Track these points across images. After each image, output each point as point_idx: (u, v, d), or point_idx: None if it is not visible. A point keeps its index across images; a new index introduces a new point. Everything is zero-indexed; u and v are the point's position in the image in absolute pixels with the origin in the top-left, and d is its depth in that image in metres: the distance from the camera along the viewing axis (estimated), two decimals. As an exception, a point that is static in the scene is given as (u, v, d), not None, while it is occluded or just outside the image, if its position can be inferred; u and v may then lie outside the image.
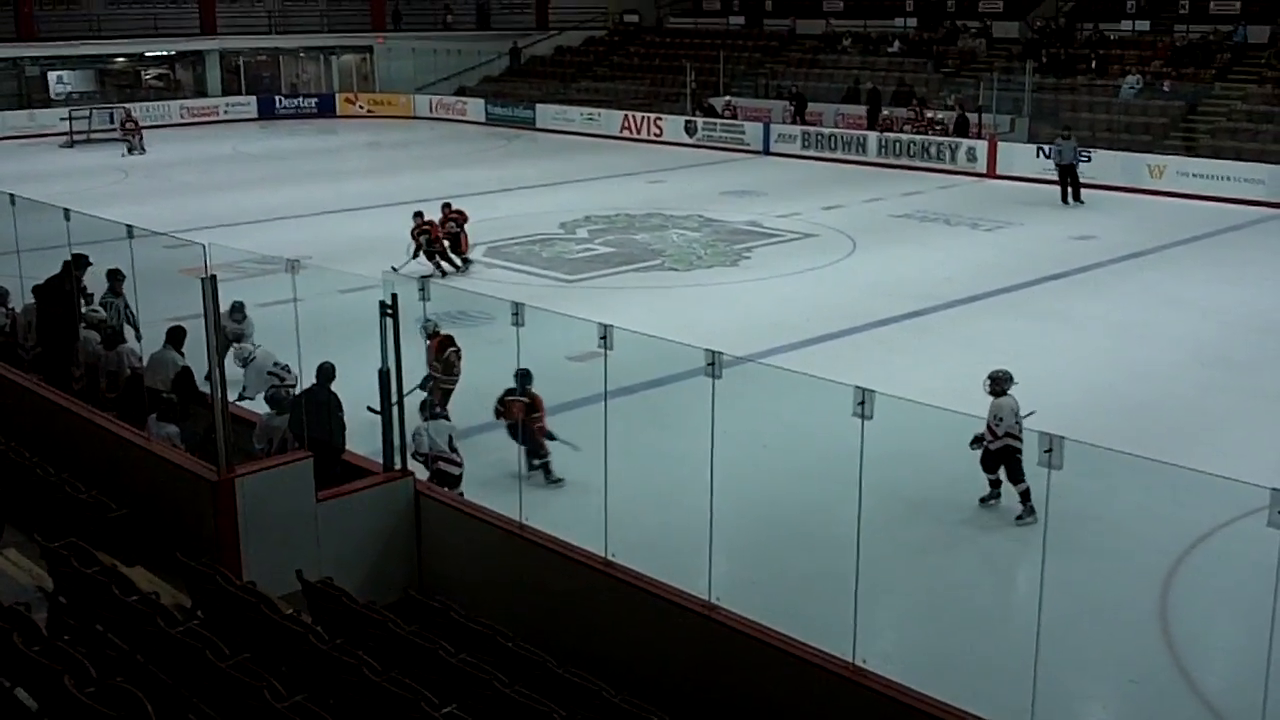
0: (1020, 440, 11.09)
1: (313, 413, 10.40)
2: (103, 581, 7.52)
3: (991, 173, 31.03)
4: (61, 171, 32.65)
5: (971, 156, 31.55)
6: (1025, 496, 11.22)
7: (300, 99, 47.13)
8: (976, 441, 11.41)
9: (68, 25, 44.00)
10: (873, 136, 33.64)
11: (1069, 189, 27.43)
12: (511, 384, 12.02)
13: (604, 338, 8.74)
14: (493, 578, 9.83)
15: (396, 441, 10.24)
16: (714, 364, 8.11)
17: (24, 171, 30.79)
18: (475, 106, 44.49)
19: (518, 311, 9.33)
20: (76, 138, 38.58)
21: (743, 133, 36.49)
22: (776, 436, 13.13)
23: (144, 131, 37.48)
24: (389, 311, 10.23)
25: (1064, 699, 8.67)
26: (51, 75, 44.26)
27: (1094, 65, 34.27)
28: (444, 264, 20.30)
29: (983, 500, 11.73)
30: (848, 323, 17.70)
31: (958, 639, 9.67)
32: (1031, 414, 11.10)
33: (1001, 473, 11.51)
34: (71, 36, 43.51)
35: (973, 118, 32.66)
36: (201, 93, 46.51)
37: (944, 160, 31.99)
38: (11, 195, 15.48)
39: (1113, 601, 10.12)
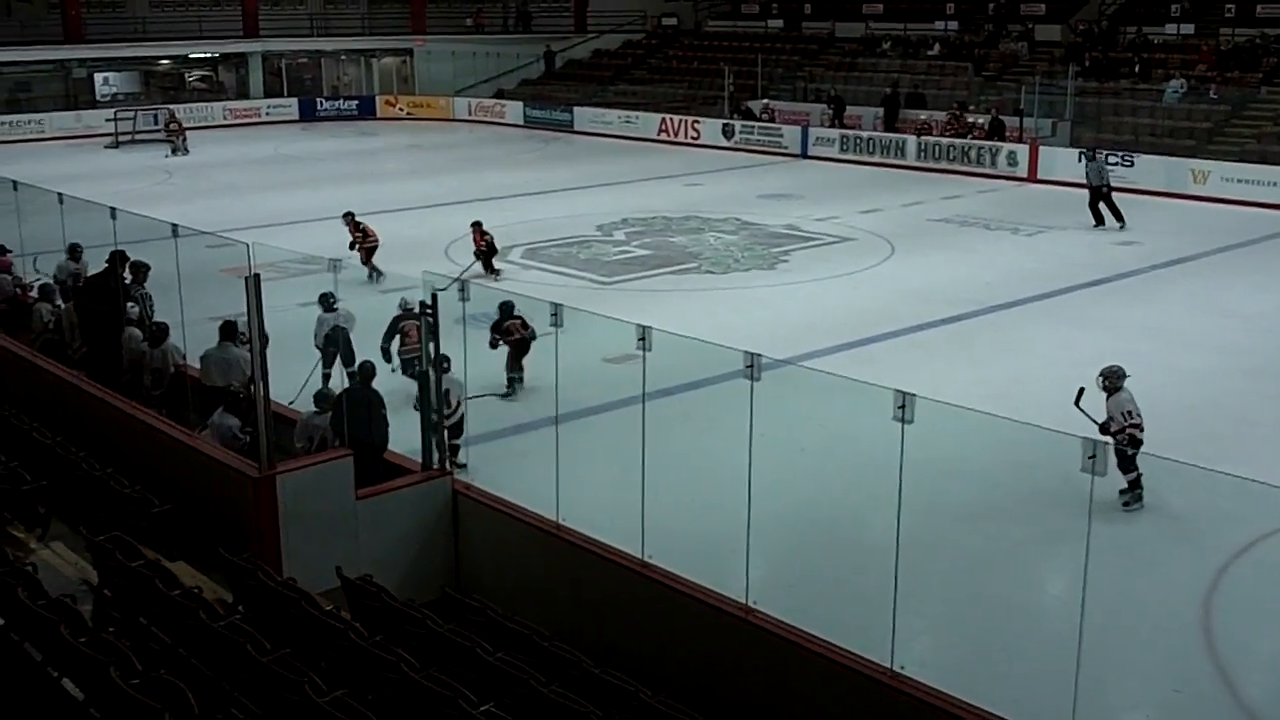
0: (1140, 430, 11.29)
1: (354, 411, 10.47)
2: (147, 575, 7.62)
3: (1033, 177, 30.82)
4: (107, 172, 33.01)
5: (1012, 161, 31.35)
6: (1138, 482, 11.23)
7: (341, 101, 47.47)
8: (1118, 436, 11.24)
9: (114, 28, 44.51)
10: (912, 140, 33.48)
11: (1105, 210, 24.86)
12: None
13: (643, 339, 8.77)
14: (529, 577, 9.87)
15: (435, 441, 10.31)
16: (753, 366, 8.11)
17: (71, 172, 31.13)
18: (514, 109, 44.66)
19: (557, 312, 9.37)
20: (121, 139, 39.01)
21: (780, 136, 36.42)
22: (815, 440, 13.10)
23: (187, 133, 37.85)
24: (428, 312, 10.30)
25: (1106, 707, 8.60)
26: (98, 77, 44.78)
27: (1137, 69, 33.96)
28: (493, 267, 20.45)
29: (1126, 502, 11.33)
30: (885, 327, 17.62)
31: (997, 646, 9.61)
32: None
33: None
34: (117, 39, 44.00)
35: (1010, 121, 32.45)
36: (244, 94, 46.92)
37: (984, 164, 31.81)
38: (59, 195, 15.71)
39: (1155, 609, 10.03)
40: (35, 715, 6.29)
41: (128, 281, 13.91)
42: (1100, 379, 11.74)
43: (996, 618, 10.05)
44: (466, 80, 47.12)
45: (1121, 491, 11.36)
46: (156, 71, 46.55)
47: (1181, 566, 10.75)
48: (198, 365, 12.42)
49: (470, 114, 45.79)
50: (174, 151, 36.54)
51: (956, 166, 32.22)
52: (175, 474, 10.46)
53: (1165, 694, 9.15)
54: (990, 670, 9.01)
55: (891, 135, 34.24)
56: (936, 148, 32.85)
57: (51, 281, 15.89)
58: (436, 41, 48.36)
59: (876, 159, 33.90)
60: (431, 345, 10.46)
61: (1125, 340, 17.27)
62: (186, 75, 47.46)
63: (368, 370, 10.85)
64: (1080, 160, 26.88)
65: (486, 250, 20.68)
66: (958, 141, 32.47)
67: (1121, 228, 24.68)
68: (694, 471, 11.92)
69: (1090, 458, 6.77)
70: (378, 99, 47.51)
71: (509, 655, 7.30)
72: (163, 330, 12.73)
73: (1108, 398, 11.62)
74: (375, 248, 20.53)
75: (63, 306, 14.42)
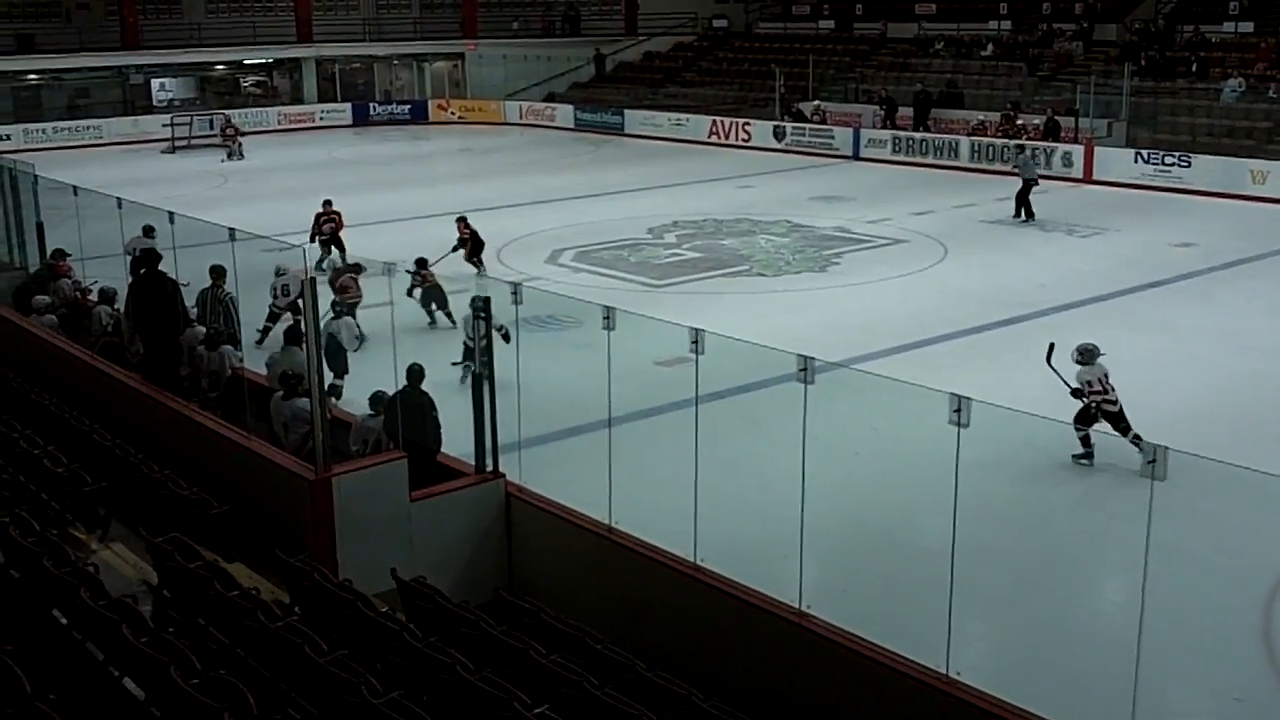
0: (1114, 401, 12.59)
1: (406, 414, 10.54)
2: (205, 576, 7.71)
3: (1088, 178, 30.49)
4: (163, 176, 33.46)
5: (1067, 161, 31.03)
6: (1137, 440, 12.07)
7: (393, 105, 47.85)
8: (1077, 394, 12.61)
9: (170, 34, 45.15)
10: (965, 141, 33.24)
11: (1025, 205, 26.00)
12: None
13: (695, 342, 8.76)
14: (582, 580, 9.89)
15: (488, 444, 10.35)
16: (806, 369, 8.08)
17: (128, 176, 31.61)
18: (564, 112, 44.79)
19: (609, 315, 9.38)
20: (178, 144, 39.55)
21: (832, 137, 36.28)
22: (868, 443, 13.03)
23: (242, 138, 38.29)
24: (482, 315, 10.36)
25: (1164, 714, 8.48)
26: (154, 82, 45.43)
27: (1194, 68, 33.51)
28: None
29: (1076, 459, 12.58)
30: (938, 330, 17.50)
31: (1054, 651, 9.51)
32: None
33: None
34: (174, 45, 44.64)
35: (1064, 121, 32.10)
36: (298, 99, 47.43)
37: (1039, 165, 31.47)
38: (118, 199, 15.95)
39: (1214, 616, 9.88)
40: (97, 714, 6.38)
41: (196, 285, 14.20)
42: (1075, 354, 12.72)
43: (1053, 623, 9.95)
44: (517, 84, 47.35)
45: (1074, 456, 12.58)
46: (212, 77, 47.15)
47: (1241, 572, 10.58)
48: (249, 366, 12.56)
49: (521, 117, 45.99)
50: (230, 156, 37.00)
51: (1010, 167, 31.90)
52: (233, 476, 10.57)
53: (1225, 702, 9.01)
54: (1046, 676, 8.92)
55: (944, 136, 34.01)
56: (990, 149, 32.57)
57: (111, 285, 16.14)
58: (488, 45, 48.63)
59: (929, 160, 33.68)
60: (485, 347, 10.50)
61: (1182, 342, 17.06)
62: (241, 80, 48.03)
63: (417, 372, 10.91)
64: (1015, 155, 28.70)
65: (470, 242, 20.95)
66: (1012, 142, 32.18)
67: (1020, 220, 25.81)
68: (746, 475, 11.90)
69: (1150, 462, 6.68)
70: (430, 103, 47.85)
71: (562, 657, 7.32)
72: (220, 335, 12.88)
73: (1079, 369, 12.67)
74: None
75: (122, 310, 14.62)
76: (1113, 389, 12.59)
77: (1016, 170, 27.05)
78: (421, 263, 17.32)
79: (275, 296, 16.48)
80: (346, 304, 15.78)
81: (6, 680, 5.69)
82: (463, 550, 10.14)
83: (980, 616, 9.61)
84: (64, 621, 7.12)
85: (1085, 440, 12.48)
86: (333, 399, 12.44)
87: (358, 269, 16.81)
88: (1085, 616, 10.23)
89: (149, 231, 16.37)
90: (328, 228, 21.57)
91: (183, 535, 8.66)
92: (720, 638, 8.72)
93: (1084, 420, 12.53)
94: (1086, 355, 12.74)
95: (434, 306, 17.27)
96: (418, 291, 17.30)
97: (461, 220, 21.03)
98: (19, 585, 7.66)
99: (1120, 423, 12.45)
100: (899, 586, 10.19)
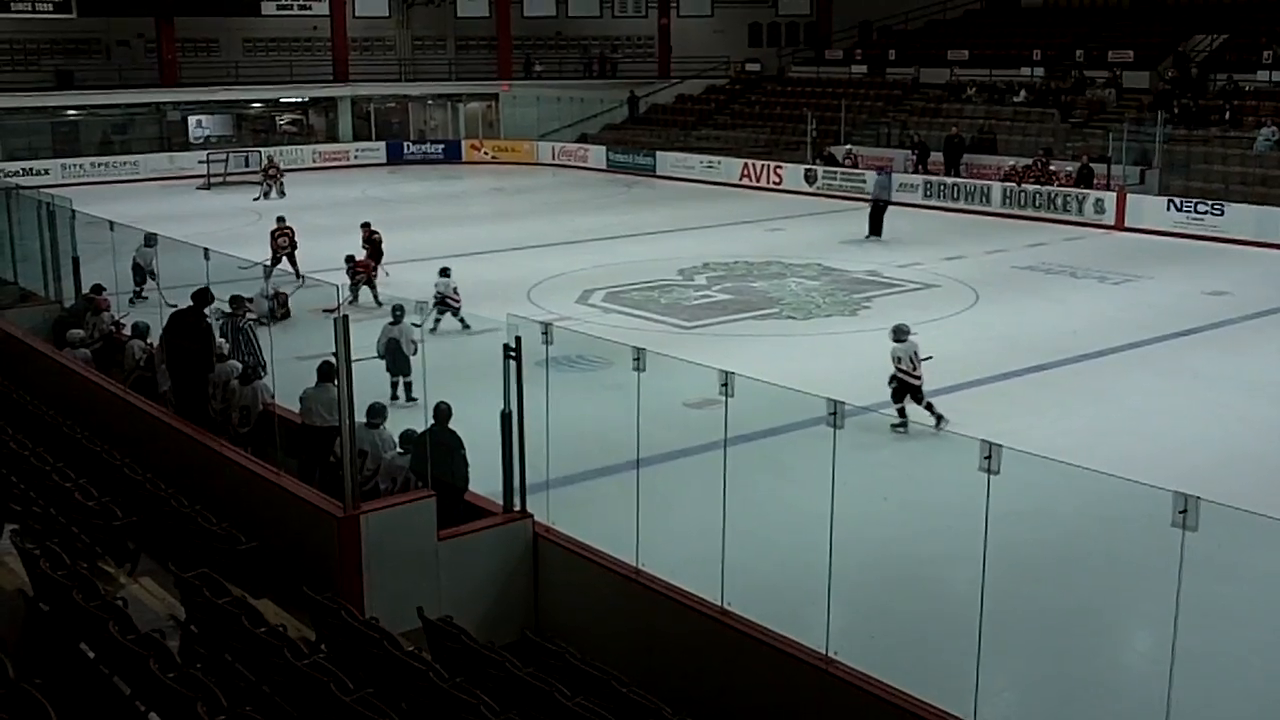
0: (918, 377, 14.82)
1: (435, 452, 10.58)
2: (233, 612, 7.72)
3: (1120, 225, 30.38)
4: (199, 213, 33.83)
5: (1100, 208, 30.95)
6: (931, 408, 14.64)
7: (428, 145, 48.29)
8: (893, 379, 14.85)
9: (208, 72, 45.81)
10: (997, 187, 33.23)
11: (877, 223, 29.06)
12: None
13: (725, 385, 8.76)
14: (608, 622, 9.86)
15: (516, 483, 10.36)
16: (835, 414, 8.07)
17: (164, 212, 31.99)
18: (597, 153, 45.08)
19: (639, 356, 9.40)
20: (213, 180, 39.99)
21: (864, 181, 36.29)
22: (897, 489, 12.96)
23: (282, 177, 38.52)
24: (512, 354, 10.38)
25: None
26: (191, 120, 46.04)
27: (1228, 116, 33.43)
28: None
29: (894, 427, 14.66)
30: (969, 375, 17.42)
31: (1083, 704, 9.40)
32: (929, 358, 15.12)
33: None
34: (211, 82, 45.26)
35: (1098, 169, 32.05)
36: (333, 138, 47.93)
37: (1071, 211, 31.44)
38: (154, 235, 16.17)
39: (1246, 670, 9.75)
40: (123, 748, 6.39)
41: (225, 314, 14.42)
42: (890, 333, 15.17)
43: (1081, 674, 9.83)
44: (550, 125, 47.72)
45: (893, 425, 14.65)
46: (248, 115, 47.73)
47: (1274, 626, 10.44)
48: (282, 403, 12.62)
49: (554, 158, 46.31)
50: (265, 195, 37.24)
51: (1042, 214, 31.88)
52: (261, 511, 10.62)
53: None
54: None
55: (976, 181, 34.01)
56: (1022, 195, 32.54)
57: (137, 322, 16.32)
58: (521, 86, 49.06)
59: (960, 205, 33.67)
60: (514, 388, 10.52)
61: (1214, 391, 16.93)
62: (277, 119, 48.61)
63: (443, 411, 10.95)
64: (874, 175, 31.15)
65: (370, 249, 22.92)
66: (1044, 188, 32.15)
67: (868, 238, 28.87)
68: (774, 518, 11.85)
69: (1181, 512, 6.62)
70: (463, 143, 48.27)
71: (587, 700, 7.28)
72: (254, 370, 12.98)
73: (892, 346, 14.96)
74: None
75: (155, 344, 14.76)
76: (918, 366, 14.76)
77: (872, 193, 30.06)
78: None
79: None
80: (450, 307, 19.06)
81: (35, 713, 5.71)
82: (489, 590, 10.14)
83: (1008, 666, 9.52)
84: (92, 655, 7.15)
85: (901, 412, 14.70)
86: (406, 399, 15.12)
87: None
88: (1114, 668, 10.13)
89: (150, 240, 17.14)
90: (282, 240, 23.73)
91: (211, 571, 8.69)
92: (746, 682, 8.67)
93: (898, 395, 14.74)
94: (899, 334, 15.03)
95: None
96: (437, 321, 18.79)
97: (365, 227, 23.53)
98: (49, 618, 7.71)
99: (919, 397, 14.70)
100: (926, 634, 10.11)
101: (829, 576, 8.15)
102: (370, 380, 14.06)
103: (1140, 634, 10.76)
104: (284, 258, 23.69)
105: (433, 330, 18.73)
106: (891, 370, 14.85)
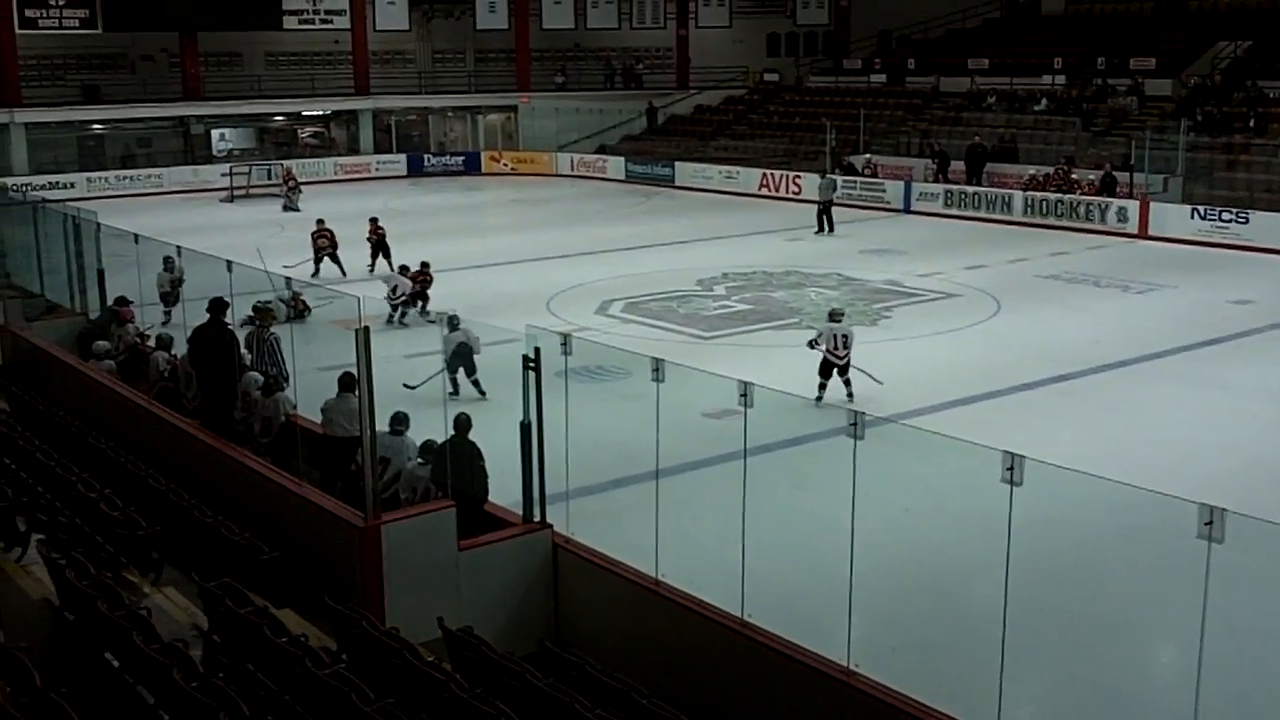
0: (840, 356, 16.22)
1: (455, 463, 10.60)
2: (255, 622, 7.76)
3: (1143, 233, 30.23)
4: (222, 225, 33.98)
5: (1122, 217, 30.80)
6: (849, 384, 16.23)
7: (448, 156, 48.44)
8: (813, 344, 16.48)
9: (231, 85, 46.10)
10: (1019, 195, 33.11)
11: (824, 220, 31.51)
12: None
13: (744, 395, 8.76)
14: (628, 633, 9.85)
15: (535, 494, 10.37)
16: (856, 424, 8.05)
17: (187, 224, 32.16)
18: (615, 164, 45.13)
19: (658, 367, 9.40)
20: (236, 193, 40.21)
21: (883, 191, 36.29)
22: (919, 499, 12.92)
23: (300, 189, 38.70)
24: (531, 365, 10.40)
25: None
26: (214, 133, 46.30)
27: (1252, 123, 33.23)
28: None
29: (817, 400, 15.85)
30: (990, 385, 17.36)
31: (1107, 716, 9.34)
32: (881, 384, 16.44)
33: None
34: (234, 96, 45.55)
35: (1121, 177, 31.91)
36: (354, 150, 48.13)
37: (1093, 220, 31.30)
38: (178, 247, 16.27)
39: (1274, 682, 9.67)
40: (146, 758, 6.43)
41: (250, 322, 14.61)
42: (829, 313, 17.04)
43: (1106, 687, 9.77)
44: (570, 136, 47.83)
45: (816, 399, 15.90)
46: (270, 128, 48.01)
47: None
48: (304, 413, 12.66)
49: (573, 169, 46.39)
50: (286, 208, 37.38)
51: (1064, 222, 31.73)
52: (283, 522, 10.67)
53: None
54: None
55: (997, 190, 33.92)
56: (1044, 203, 32.43)
57: (162, 331, 16.43)
58: (540, 98, 49.20)
59: (981, 214, 33.57)
60: (534, 400, 10.54)
61: (1239, 401, 16.82)
62: (299, 131, 48.87)
63: (462, 422, 10.98)
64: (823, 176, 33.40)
65: (377, 243, 25.02)
66: (1066, 197, 32.02)
67: (818, 232, 31.29)
68: (795, 529, 11.83)
69: (1206, 524, 6.58)
70: (483, 154, 48.41)
71: (607, 712, 7.28)
72: (277, 381, 13.03)
73: (826, 325, 16.53)
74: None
75: (179, 356, 14.85)
76: (844, 346, 16.18)
77: (819, 194, 32.37)
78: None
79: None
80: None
81: (58, 723, 5.75)
82: (509, 600, 10.15)
83: (1032, 678, 9.46)
84: (116, 664, 7.20)
85: (822, 387, 16.08)
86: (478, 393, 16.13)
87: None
88: (1140, 681, 10.05)
89: (169, 265, 18.52)
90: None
91: (233, 580, 8.73)
92: (766, 694, 8.65)
93: (824, 370, 16.17)
94: (834, 316, 16.81)
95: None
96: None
97: (373, 222, 25.56)
98: (74, 627, 7.76)
99: (844, 373, 16.19)
100: (949, 646, 10.07)
101: (850, 588, 8.13)
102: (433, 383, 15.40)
103: (1165, 644, 10.69)
104: (325, 258, 25.11)
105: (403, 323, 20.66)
106: (820, 342, 16.39)
